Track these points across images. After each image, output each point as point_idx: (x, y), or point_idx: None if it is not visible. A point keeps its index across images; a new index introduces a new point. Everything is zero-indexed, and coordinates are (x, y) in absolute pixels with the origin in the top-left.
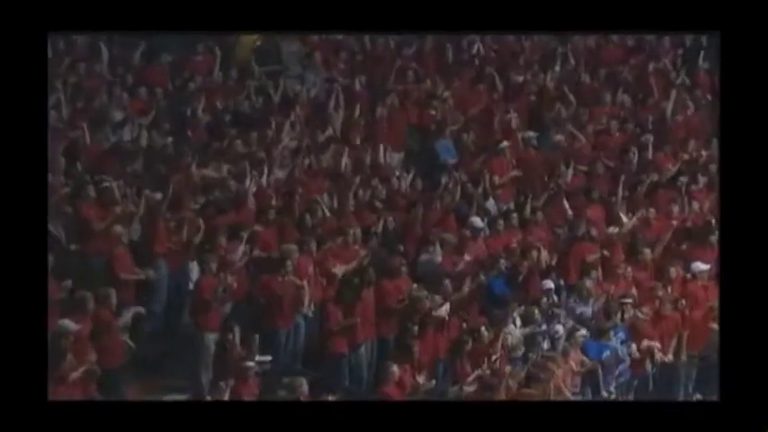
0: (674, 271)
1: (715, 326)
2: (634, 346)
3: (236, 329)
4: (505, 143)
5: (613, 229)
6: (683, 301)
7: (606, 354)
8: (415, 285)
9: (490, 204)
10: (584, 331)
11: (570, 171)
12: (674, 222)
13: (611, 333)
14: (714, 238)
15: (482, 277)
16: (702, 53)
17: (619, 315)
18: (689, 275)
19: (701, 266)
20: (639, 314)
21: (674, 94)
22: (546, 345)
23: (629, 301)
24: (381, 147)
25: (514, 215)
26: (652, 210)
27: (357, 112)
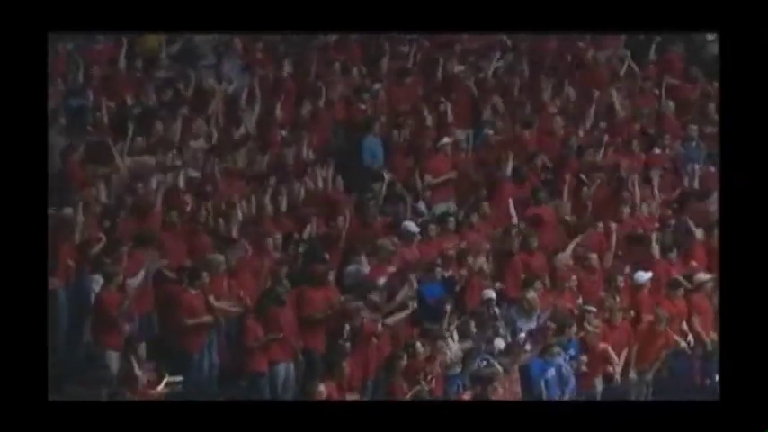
0: (621, 279)
1: (677, 338)
2: (584, 361)
3: (142, 347)
4: (446, 140)
5: (560, 234)
6: (632, 312)
7: (551, 372)
8: (342, 297)
9: (425, 207)
10: (527, 346)
11: (510, 170)
12: (624, 226)
13: (558, 349)
14: (658, 245)
15: (416, 287)
16: (654, 46)
17: (570, 328)
18: (635, 284)
19: (643, 276)
20: (590, 327)
21: (621, 88)
22: (485, 361)
23: (589, 309)
24: (304, 145)
25: (451, 219)
26: (601, 213)
27: (278, 107)
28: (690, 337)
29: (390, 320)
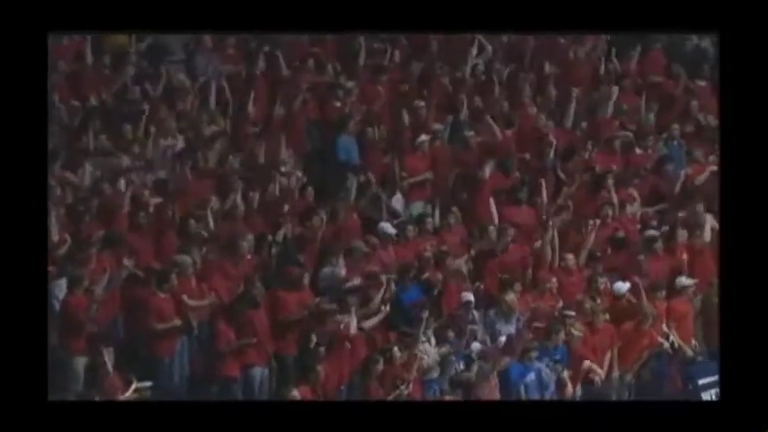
0: (602, 282)
1: (660, 339)
2: (565, 366)
3: (110, 352)
4: (424, 137)
5: (539, 235)
6: (608, 315)
7: (530, 377)
8: (317, 299)
9: (402, 207)
10: (506, 350)
11: (489, 169)
12: (605, 228)
13: (539, 353)
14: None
15: (393, 290)
16: (636, 43)
17: (554, 333)
18: (616, 294)
19: (623, 286)
20: (574, 331)
21: (602, 86)
22: (462, 366)
23: (567, 314)
24: (278, 144)
25: (429, 219)
26: (582, 213)
27: (249, 104)
28: (672, 339)
29: (366, 324)
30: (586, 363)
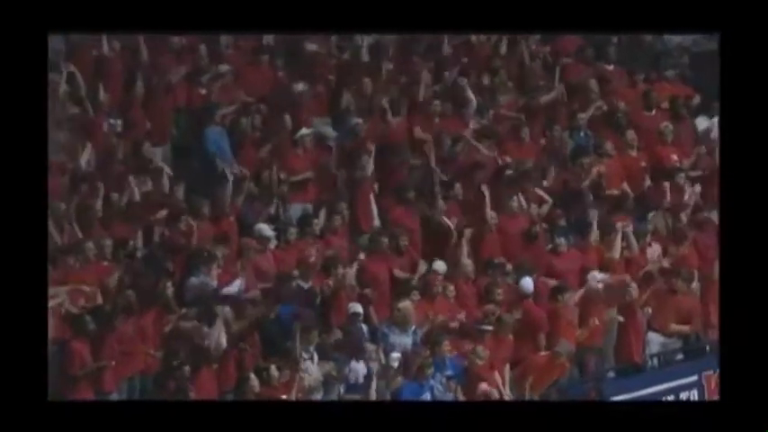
0: (500, 293)
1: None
2: (459, 381)
3: None
4: (305, 131)
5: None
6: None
7: (426, 397)
8: (183, 311)
9: (280, 208)
10: (400, 367)
11: (372, 164)
12: (506, 224)
13: (433, 369)
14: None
15: (270, 300)
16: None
17: (444, 346)
18: (521, 292)
19: (529, 282)
20: (476, 351)
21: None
22: (344, 389)
23: (484, 329)
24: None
25: (315, 221)
26: (479, 211)
27: (101, 89)
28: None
29: (240, 340)
30: (483, 385)
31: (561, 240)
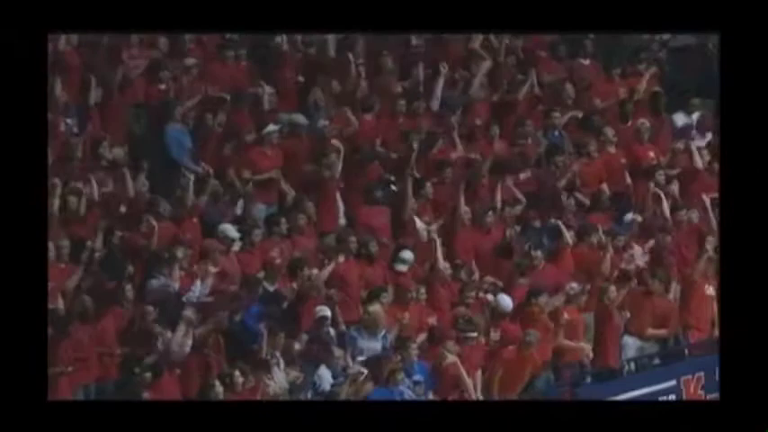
0: (473, 296)
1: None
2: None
3: None
4: (272, 127)
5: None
6: (496, 332)
7: None
8: (143, 315)
9: (246, 207)
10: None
11: (340, 163)
12: (479, 231)
13: (403, 375)
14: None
15: (235, 304)
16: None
17: (412, 350)
18: (499, 309)
19: (506, 300)
20: (445, 350)
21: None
22: (311, 395)
23: (468, 335)
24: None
25: (281, 221)
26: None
27: (59, 85)
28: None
29: (202, 345)
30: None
31: (538, 253)
